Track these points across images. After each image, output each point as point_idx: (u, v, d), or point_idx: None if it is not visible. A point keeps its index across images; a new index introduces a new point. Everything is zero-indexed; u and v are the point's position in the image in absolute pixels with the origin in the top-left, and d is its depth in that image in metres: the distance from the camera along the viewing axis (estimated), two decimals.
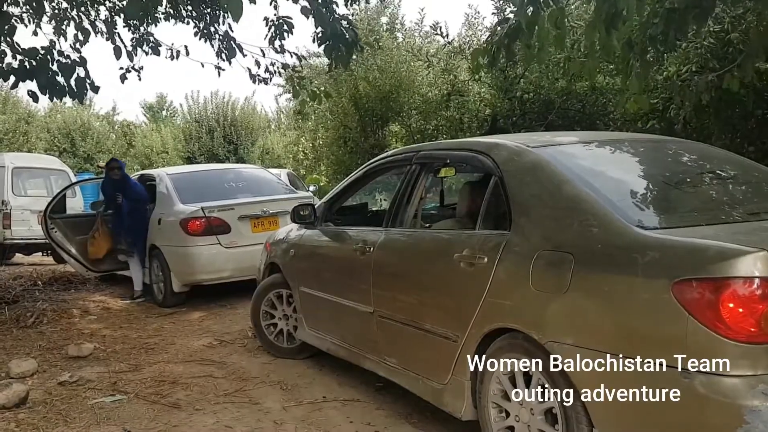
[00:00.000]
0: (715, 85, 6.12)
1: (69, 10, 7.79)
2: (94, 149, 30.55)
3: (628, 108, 5.49)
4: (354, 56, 7.77)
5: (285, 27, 7.61)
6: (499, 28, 4.98)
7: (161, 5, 7.48)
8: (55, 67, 6.23)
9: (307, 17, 7.13)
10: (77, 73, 6.34)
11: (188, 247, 7.01)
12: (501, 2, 12.38)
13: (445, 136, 13.41)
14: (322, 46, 7.24)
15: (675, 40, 5.05)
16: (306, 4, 7.14)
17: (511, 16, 4.68)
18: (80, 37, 7.63)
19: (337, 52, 7.19)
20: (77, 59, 6.58)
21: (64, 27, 7.75)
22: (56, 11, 7.66)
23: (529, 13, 4.37)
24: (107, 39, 7.77)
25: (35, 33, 7.92)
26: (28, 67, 6.07)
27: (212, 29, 8.12)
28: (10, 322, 6.51)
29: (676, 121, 7.45)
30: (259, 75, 8.36)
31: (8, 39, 6.09)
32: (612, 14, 4.24)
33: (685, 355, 2.16)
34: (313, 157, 20.58)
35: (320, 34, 7.17)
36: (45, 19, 7.67)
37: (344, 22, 7.35)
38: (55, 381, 4.72)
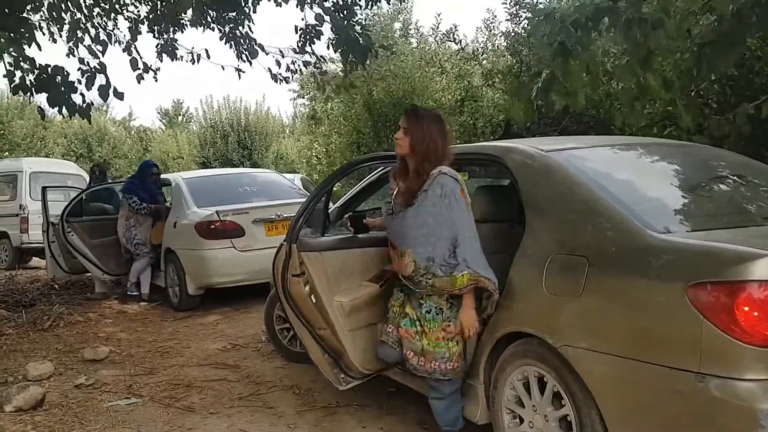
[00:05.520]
0: (753, 117, 6.08)
1: (85, 21, 7.88)
2: (111, 154, 30.82)
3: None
4: (368, 61, 7.88)
5: (313, 33, 7.71)
6: (533, 82, 5.06)
7: (186, 12, 7.58)
8: (76, 74, 6.34)
9: (321, 24, 7.22)
10: (99, 81, 6.44)
11: (203, 250, 7.05)
12: (515, 10, 12.38)
13: (458, 141, 13.40)
14: (336, 51, 7.33)
15: (708, 73, 5.07)
16: (320, 11, 7.23)
17: (543, 69, 4.77)
18: (98, 47, 7.72)
19: (352, 57, 7.28)
20: (97, 66, 6.67)
21: (81, 35, 7.83)
22: (74, 18, 7.75)
23: (559, 62, 4.42)
24: (124, 50, 7.86)
25: (54, 40, 8.04)
26: (45, 79, 6.16)
27: (237, 32, 8.21)
28: (28, 325, 6.57)
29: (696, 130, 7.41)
30: (280, 74, 8.45)
31: (24, 49, 6.17)
32: (646, 54, 4.26)
33: (700, 359, 2.15)
34: (327, 162, 20.63)
35: (335, 41, 7.27)
36: (64, 28, 7.78)
37: (358, 28, 7.43)
38: (72, 384, 4.76)
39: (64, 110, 6.24)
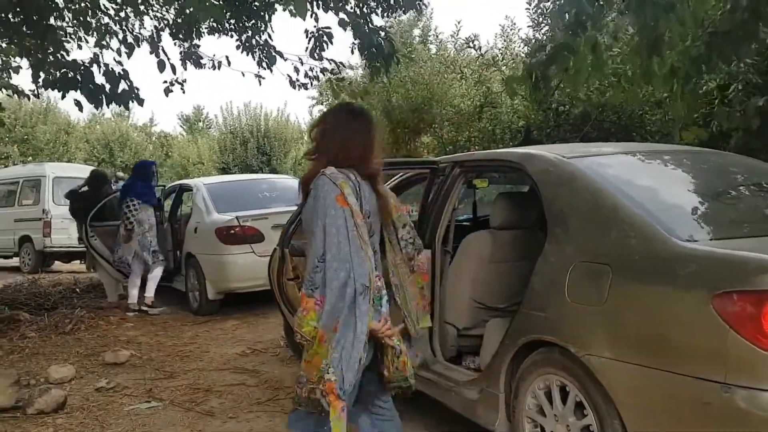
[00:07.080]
0: (763, 110, 6.01)
1: (112, 24, 7.99)
2: (132, 160, 31.05)
3: (684, 138, 5.50)
4: (392, 68, 7.96)
5: (324, 38, 7.77)
6: (536, 55, 5.00)
7: (204, 22, 7.67)
8: (99, 78, 6.46)
9: (345, 29, 7.29)
10: (123, 86, 6.54)
11: (223, 255, 7.10)
12: (537, 16, 12.37)
13: (477, 147, 13.37)
14: (363, 57, 7.44)
15: (717, 63, 5.00)
16: (344, 16, 7.29)
17: (548, 42, 4.71)
18: (123, 50, 7.82)
19: (376, 62, 7.38)
20: (120, 72, 6.77)
21: (107, 40, 7.94)
22: (100, 24, 7.85)
23: (567, 37, 4.39)
24: (151, 53, 7.94)
25: (80, 47, 8.15)
26: (70, 77, 6.27)
27: (254, 41, 8.28)
28: (49, 328, 6.64)
29: (718, 137, 7.33)
30: (299, 80, 8.51)
31: (55, 50, 6.30)
32: (654, 39, 4.21)
33: (725, 369, 2.12)
34: None
35: (359, 45, 7.36)
36: (90, 32, 7.89)
37: (382, 33, 7.51)
38: (93, 387, 4.80)
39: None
